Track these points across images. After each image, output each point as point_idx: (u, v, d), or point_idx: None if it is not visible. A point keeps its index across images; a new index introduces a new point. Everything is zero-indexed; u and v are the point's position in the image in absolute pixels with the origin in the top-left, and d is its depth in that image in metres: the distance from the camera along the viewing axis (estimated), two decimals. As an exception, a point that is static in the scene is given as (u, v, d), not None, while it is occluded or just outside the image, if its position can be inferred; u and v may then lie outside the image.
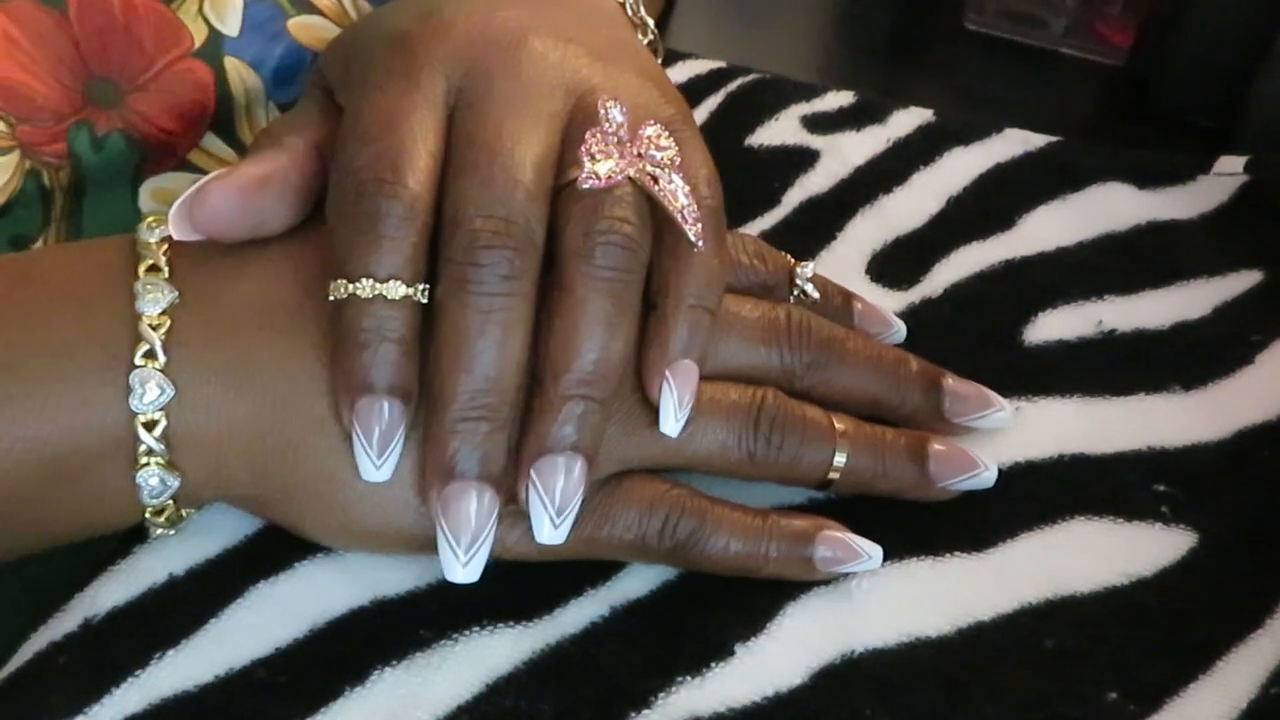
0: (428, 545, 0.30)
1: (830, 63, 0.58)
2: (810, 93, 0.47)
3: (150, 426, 0.28)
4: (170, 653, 0.28)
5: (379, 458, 0.27)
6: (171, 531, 0.30)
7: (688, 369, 0.28)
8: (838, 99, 0.47)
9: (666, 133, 0.28)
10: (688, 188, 0.28)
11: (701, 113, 0.46)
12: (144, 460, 0.28)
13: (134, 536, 0.30)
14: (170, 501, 0.29)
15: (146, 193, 0.38)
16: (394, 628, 0.29)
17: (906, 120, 0.46)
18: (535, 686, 0.28)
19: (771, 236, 0.41)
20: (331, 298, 0.27)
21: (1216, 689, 0.29)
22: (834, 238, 0.41)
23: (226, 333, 0.28)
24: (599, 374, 0.27)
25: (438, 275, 0.27)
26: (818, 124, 0.46)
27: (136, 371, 0.27)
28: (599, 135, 0.27)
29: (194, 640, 0.29)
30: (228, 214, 0.28)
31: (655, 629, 0.30)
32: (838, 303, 0.35)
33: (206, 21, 0.36)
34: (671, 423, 0.28)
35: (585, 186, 0.27)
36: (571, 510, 0.27)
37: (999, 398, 0.34)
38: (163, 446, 0.28)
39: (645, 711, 0.28)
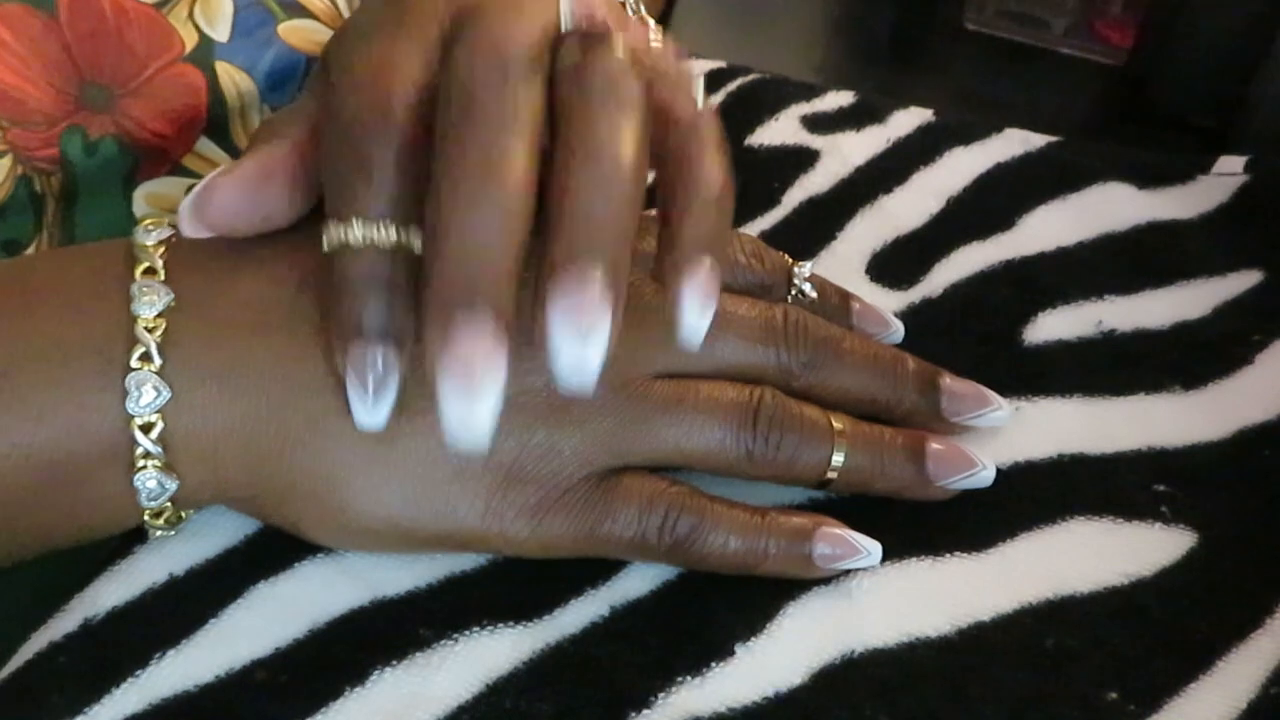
0: (427, 544, 0.30)
1: (830, 63, 0.58)
2: (810, 93, 0.47)
3: (147, 429, 0.28)
4: (170, 653, 0.28)
5: (372, 404, 0.27)
6: (171, 533, 0.30)
7: (707, 266, 0.26)
8: (838, 99, 0.47)
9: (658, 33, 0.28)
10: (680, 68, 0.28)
11: (701, 113, 0.46)
12: (141, 463, 0.28)
13: (134, 536, 0.30)
14: (169, 504, 0.29)
15: (140, 197, 0.38)
16: (394, 628, 0.29)
17: (906, 120, 0.46)
18: (535, 686, 0.28)
19: (771, 236, 0.41)
20: (325, 247, 0.26)
21: (1216, 689, 0.29)
22: (834, 238, 0.41)
23: (222, 334, 0.28)
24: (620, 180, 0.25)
25: (435, 122, 0.26)
26: (818, 124, 0.46)
27: (132, 375, 0.27)
28: (594, 15, 0.27)
29: (194, 640, 0.29)
30: (235, 208, 0.28)
31: (655, 629, 0.30)
32: (835, 302, 0.35)
33: (197, 27, 0.36)
34: (693, 320, 0.26)
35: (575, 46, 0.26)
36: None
37: (997, 396, 0.34)
38: (160, 449, 0.28)
39: (645, 711, 0.28)
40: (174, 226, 0.30)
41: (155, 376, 0.27)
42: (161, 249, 0.29)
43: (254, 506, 0.30)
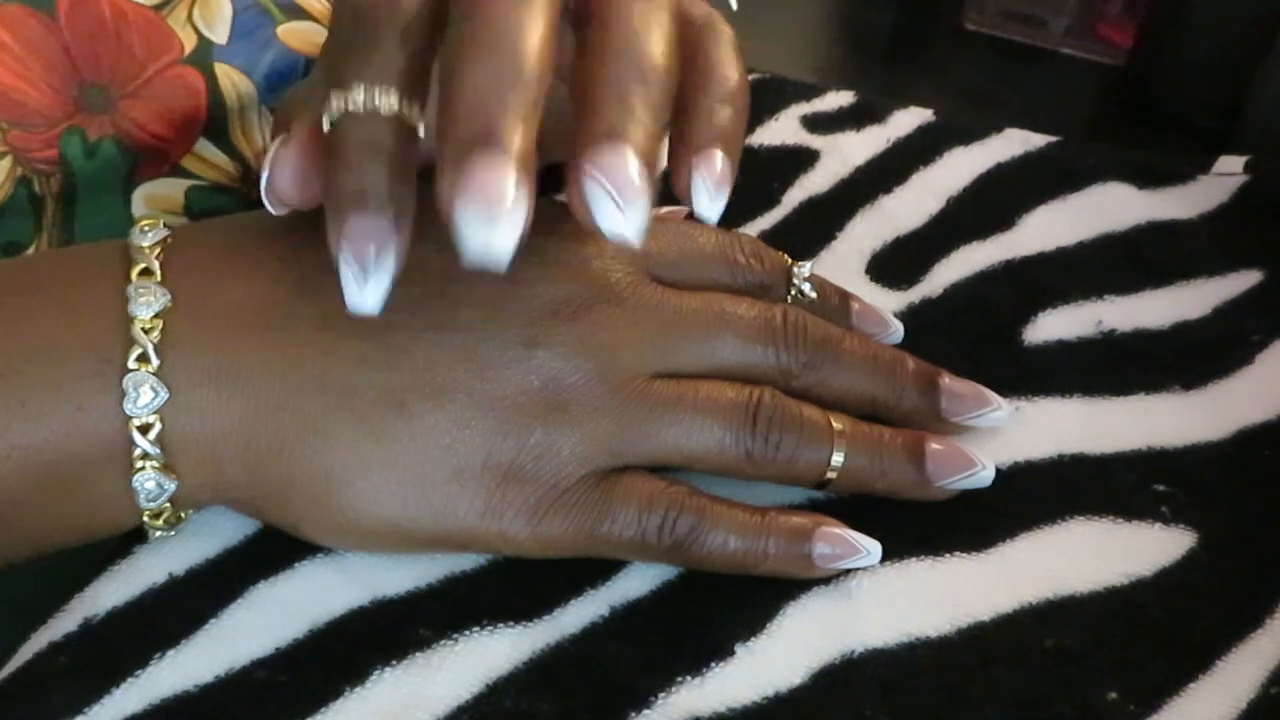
0: (426, 545, 0.30)
1: (830, 63, 0.58)
2: (810, 93, 0.47)
3: (145, 430, 0.28)
4: (170, 653, 0.28)
5: (368, 282, 0.25)
6: (171, 533, 0.30)
7: (719, 158, 0.28)
8: (838, 99, 0.47)
9: None
10: None
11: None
12: (140, 464, 0.28)
13: (134, 536, 0.30)
14: (168, 504, 0.29)
15: (139, 198, 0.38)
16: (394, 628, 0.29)
17: (906, 120, 0.46)
18: (535, 686, 0.28)
19: (771, 236, 0.41)
20: (325, 121, 0.25)
21: (1216, 688, 0.29)
22: (834, 238, 0.41)
23: (219, 335, 0.28)
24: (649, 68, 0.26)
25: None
26: (818, 124, 0.46)
27: (130, 375, 0.27)
28: None
29: (194, 640, 0.29)
30: (302, 179, 0.27)
31: (655, 629, 0.30)
32: (835, 303, 0.35)
33: (195, 29, 0.36)
34: (704, 207, 0.28)
35: None
36: (641, 199, 0.25)
37: (996, 396, 0.34)
38: (158, 450, 0.28)
39: (645, 711, 0.28)
40: (170, 227, 0.30)
41: (153, 377, 0.27)
42: (158, 250, 0.29)
43: (253, 507, 0.30)
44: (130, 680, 0.28)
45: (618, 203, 0.25)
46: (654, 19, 0.26)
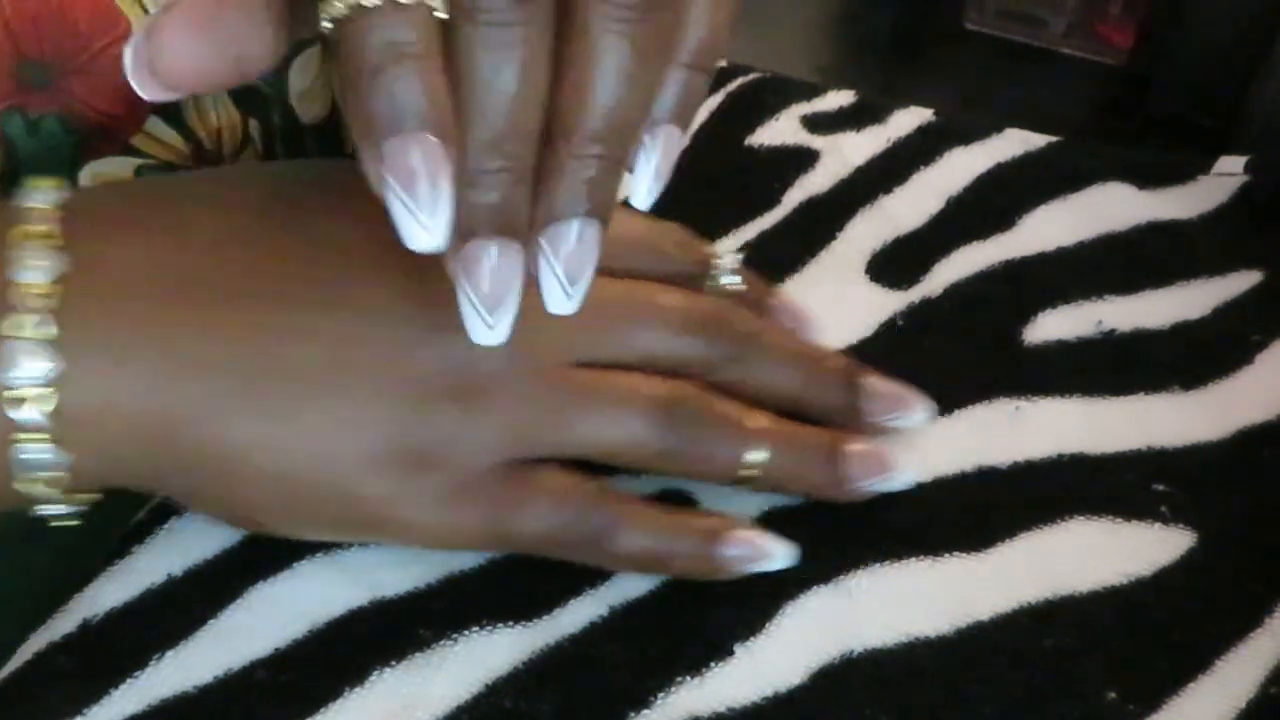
0: (332, 529, 0.29)
1: (830, 63, 0.58)
2: (810, 93, 0.47)
3: (28, 401, 0.26)
4: (169, 654, 0.28)
5: (429, 215, 0.22)
6: (72, 519, 0.28)
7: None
8: (838, 99, 0.47)
9: None
10: None
11: (702, 113, 0.46)
12: (21, 437, 0.26)
13: (133, 537, 0.30)
14: (63, 481, 0.27)
15: (86, 177, 0.36)
16: (394, 628, 0.29)
17: (906, 120, 0.46)
18: (535, 686, 0.28)
19: (771, 236, 0.41)
20: (325, 22, 0.21)
21: (1216, 688, 0.29)
22: (834, 238, 0.41)
23: (115, 302, 0.26)
24: (615, 128, 0.23)
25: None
26: (818, 124, 0.46)
27: (8, 343, 0.25)
28: None
29: (193, 641, 0.29)
30: (194, 51, 0.23)
31: (655, 629, 0.30)
32: (758, 295, 0.34)
33: (143, 7, 0.36)
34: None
35: None
36: (585, 279, 0.24)
37: (919, 399, 0.33)
38: (43, 420, 0.26)
39: (645, 711, 0.28)
40: (67, 190, 0.28)
41: (38, 344, 0.26)
42: (58, 211, 0.27)
43: (153, 485, 0.29)
44: (129, 681, 0.28)
45: (565, 289, 0.24)
46: (629, 40, 0.23)
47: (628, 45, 0.23)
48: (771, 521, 0.32)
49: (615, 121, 0.23)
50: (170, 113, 0.36)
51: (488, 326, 0.24)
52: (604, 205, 0.24)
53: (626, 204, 0.27)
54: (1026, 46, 0.56)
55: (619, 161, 0.24)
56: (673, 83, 0.25)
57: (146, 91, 0.23)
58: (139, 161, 0.37)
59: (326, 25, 0.22)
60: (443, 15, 0.22)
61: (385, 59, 0.21)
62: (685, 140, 0.26)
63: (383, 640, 0.29)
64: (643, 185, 0.26)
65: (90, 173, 0.37)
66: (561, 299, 0.24)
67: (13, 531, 0.32)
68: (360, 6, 0.21)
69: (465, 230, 0.23)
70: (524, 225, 0.24)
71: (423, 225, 0.22)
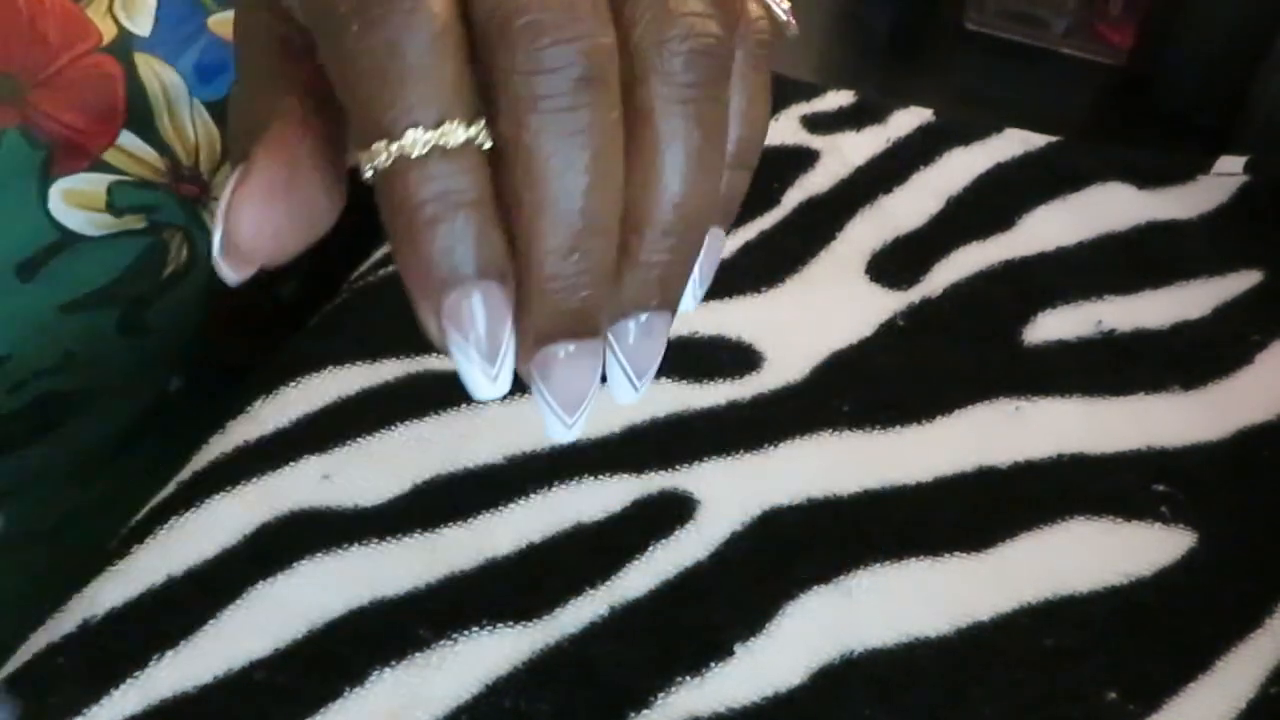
0: None
1: (830, 63, 0.58)
2: (810, 93, 0.47)
3: None
4: (169, 654, 0.28)
5: (492, 365, 0.21)
6: None
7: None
8: (838, 99, 0.47)
9: None
10: None
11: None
12: None
13: (133, 537, 0.30)
14: None
15: (57, 194, 0.36)
16: (394, 628, 0.29)
17: (906, 120, 0.46)
18: (535, 686, 0.28)
19: (771, 236, 0.41)
20: (367, 171, 0.20)
21: (1216, 688, 0.29)
22: (834, 237, 0.41)
23: None
24: (687, 219, 0.22)
25: (492, 107, 0.21)
26: (818, 124, 0.46)
27: None
28: None
29: (193, 641, 0.29)
30: (272, 221, 0.22)
31: (655, 629, 0.30)
32: None
33: (116, 21, 0.35)
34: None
35: None
36: (652, 371, 0.23)
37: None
38: None
39: (645, 711, 0.28)
40: None
41: None
42: None
43: None
44: (129, 681, 0.28)
45: (633, 382, 0.23)
46: (697, 121, 0.21)
47: (695, 127, 0.21)
48: (771, 520, 0.32)
49: (688, 212, 0.22)
50: (143, 126, 0.36)
51: (567, 427, 0.23)
52: (674, 298, 0.23)
53: None
54: (1026, 46, 0.56)
55: (692, 252, 0.22)
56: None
57: (230, 274, 0.22)
58: (112, 178, 0.37)
59: (369, 175, 0.20)
60: (488, 144, 0.21)
61: (439, 211, 0.20)
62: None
63: (383, 640, 0.29)
64: (688, 290, 0.24)
65: (61, 189, 0.36)
66: (628, 391, 0.23)
67: (13, 531, 0.32)
68: (405, 158, 0.20)
69: (541, 336, 0.21)
70: (603, 322, 0.22)
71: (488, 376, 0.21)
